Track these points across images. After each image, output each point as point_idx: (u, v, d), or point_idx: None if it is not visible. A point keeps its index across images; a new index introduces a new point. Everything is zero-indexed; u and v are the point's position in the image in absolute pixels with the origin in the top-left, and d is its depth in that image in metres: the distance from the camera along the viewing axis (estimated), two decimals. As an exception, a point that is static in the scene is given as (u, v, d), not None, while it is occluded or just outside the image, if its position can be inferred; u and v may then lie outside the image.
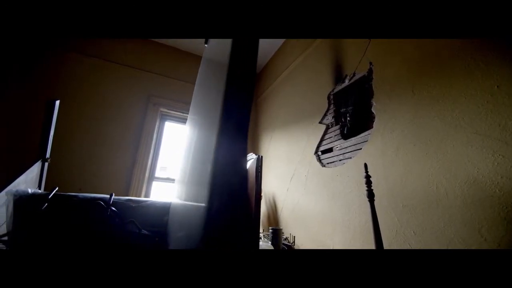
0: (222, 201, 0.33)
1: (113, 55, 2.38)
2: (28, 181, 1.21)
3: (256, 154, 1.11)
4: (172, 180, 2.46)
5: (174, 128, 2.66)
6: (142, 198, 0.81)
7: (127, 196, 1.63)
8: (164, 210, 0.83)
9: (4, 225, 1.05)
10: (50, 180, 1.41)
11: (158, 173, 2.43)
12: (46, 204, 0.66)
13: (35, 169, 1.25)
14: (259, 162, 1.56)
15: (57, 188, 0.71)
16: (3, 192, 0.99)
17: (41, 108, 1.99)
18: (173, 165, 2.60)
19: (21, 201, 0.68)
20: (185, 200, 0.64)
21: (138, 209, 0.79)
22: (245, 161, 0.34)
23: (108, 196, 0.79)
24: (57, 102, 1.23)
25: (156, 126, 2.44)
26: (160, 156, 2.47)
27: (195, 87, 1.17)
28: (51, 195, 0.68)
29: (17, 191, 0.69)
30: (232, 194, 0.34)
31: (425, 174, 1.07)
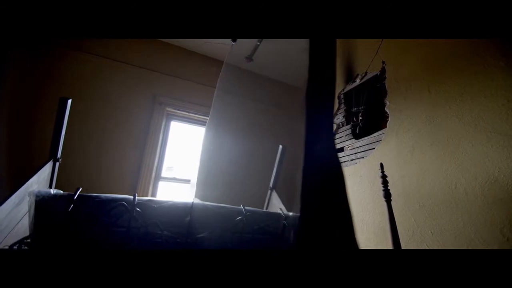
0: (318, 203, 0.32)
1: (119, 54, 2.36)
2: (40, 182, 1.19)
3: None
4: (179, 180, 2.44)
5: (179, 128, 2.64)
6: (163, 199, 0.80)
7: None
8: (186, 210, 0.82)
9: (18, 227, 1.04)
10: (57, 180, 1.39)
11: (164, 173, 2.42)
12: (73, 205, 0.65)
13: (47, 169, 1.24)
14: (282, 154, 1.55)
15: (80, 189, 0.70)
16: (18, 192, 0.98)
17: (44, 108, 1.97)
18: (180, 165, 2.58)
19: (44, 202, 0.67)
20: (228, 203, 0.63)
21: (159, 210, 0.78)
22: (339, 164, 0.33)
23: (129, 196, 0.78)
24: (69, 101, 1.21)
25: (162, 126, 2.42)
26: (166, 156, 2.46)
27: (217, 92, 1.16)
28: (76, 196, 0.67)
29: (39, 191, 0.67)
30: (330, 195, 0.33)
31: (443, 173, 1.07)
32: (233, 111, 2.62)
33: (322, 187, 0.34)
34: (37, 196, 0.67)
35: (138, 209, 0.71)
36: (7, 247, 0.67)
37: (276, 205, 1.63)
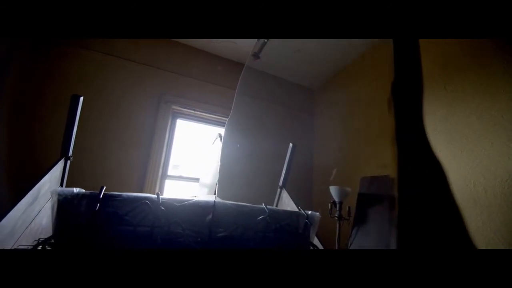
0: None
1: (123, 51, 2.33)
2: (52, 180, 1.18)
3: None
4: (185, 179, 2.43)
5: (185, 126, 2.63)
6: (185, 197, 0.79)
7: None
8: (207, 209, 0.80)
9: (31, 226, 1.02)
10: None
11: (170, 171, 2.41)
12: (99, 204, 0.63)
13: (58, 168, 1.22)
14: (292, 152, 1.54)
15: (105, 188, 0.68)
16: (32, 191, 0.96)
17: (46, 107, 1.94)
18: (186, 164, 2.57)
19: (67, 201, 0.66)
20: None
21: (181, 209, 0.77)
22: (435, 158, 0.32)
23: (151, 195, 0.77)
24: (81, 99, 1.20)
25: (168, 124, 2.41)
26: (172, 154, 2.44)
27: (238, 95, 1.15)
28: (101, 195, 0.66)
29: (62, 190, 0.66)
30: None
31: (461, 172, 1.06)
32: (250, 112, 2.63)
33: (420, 183, 0.33)
34: (59, 194, 0.66)
35: (163, 208, 0.70)
36: (30, 247, 0.66)
37: (286, 203, 1.62)
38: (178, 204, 0.76)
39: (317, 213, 0.94)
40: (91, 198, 0.67)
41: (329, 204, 1.84)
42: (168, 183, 2.37)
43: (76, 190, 0.68)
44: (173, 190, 2.39)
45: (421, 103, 0.31)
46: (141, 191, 2.13)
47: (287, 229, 0.85)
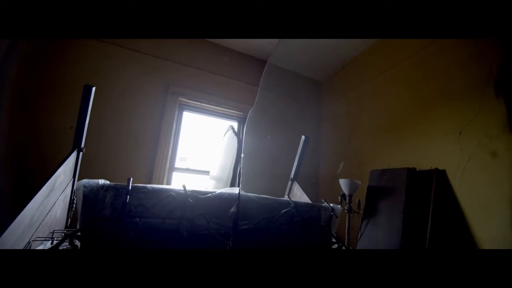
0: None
1: (130, 42, 2.28)
2: (66, 172, 1.17)
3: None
4: (192, 171, 2.43)
5: (191, 118, 2.60)
6: (208, 190, 0.77)
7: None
8: (230, 202, 0.79)
9: (47, 217, 1.01)
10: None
11: (177, 163, 2.39)
12: (128, 196, 0.62)
13: (71, 159, 1.20)
14: (305, 144, 1.53)
15: (131, 179, 0.67)
16: (48, 183, 0.95)
17: (52, 98, 1.91)
18: (193, 156, 2.56)
19: (93, 194, 0.64)
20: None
21: (206, 201, 0.76)
22: None
23: (175, 188, 0.75)
24: (93, 89, 1.17)
25: (175, 116, 2.38)
26: (179, 147, 2.42)
27: (261, 92, 1.12)
28: (130, 187, 0.64)
29: (88, 182, 0.64)
30: None
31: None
32: (262, 106, 2.61)
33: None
34: (85, 186, 0.64)
35: (190, 200, 0.68)
36: (58, 240, 0.65)
37: (299, 196, 1.62)
38: (202, 197, 0.75)
39: (339, 206, 0.93)
40: (117, 190, 0.66)
41: (339, 197, 1.84)
42: (175, 176, 2.35)
43: (101, 182, 0.67)
44: (181, 183, 2.38)
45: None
46: (150, 183, 2.12)
47: (310, 222, 0.85)
